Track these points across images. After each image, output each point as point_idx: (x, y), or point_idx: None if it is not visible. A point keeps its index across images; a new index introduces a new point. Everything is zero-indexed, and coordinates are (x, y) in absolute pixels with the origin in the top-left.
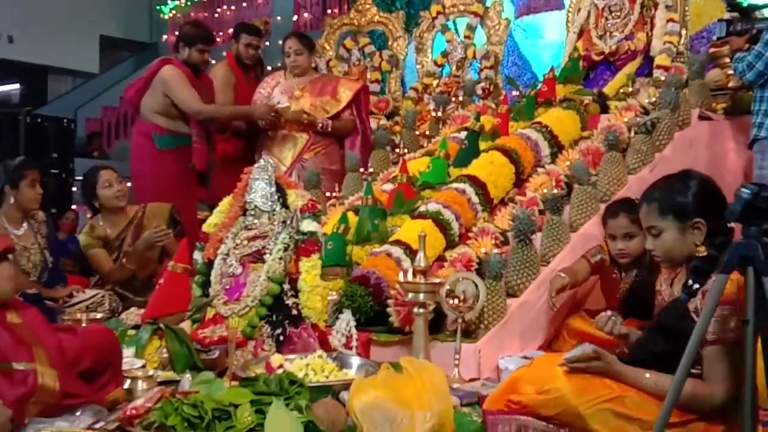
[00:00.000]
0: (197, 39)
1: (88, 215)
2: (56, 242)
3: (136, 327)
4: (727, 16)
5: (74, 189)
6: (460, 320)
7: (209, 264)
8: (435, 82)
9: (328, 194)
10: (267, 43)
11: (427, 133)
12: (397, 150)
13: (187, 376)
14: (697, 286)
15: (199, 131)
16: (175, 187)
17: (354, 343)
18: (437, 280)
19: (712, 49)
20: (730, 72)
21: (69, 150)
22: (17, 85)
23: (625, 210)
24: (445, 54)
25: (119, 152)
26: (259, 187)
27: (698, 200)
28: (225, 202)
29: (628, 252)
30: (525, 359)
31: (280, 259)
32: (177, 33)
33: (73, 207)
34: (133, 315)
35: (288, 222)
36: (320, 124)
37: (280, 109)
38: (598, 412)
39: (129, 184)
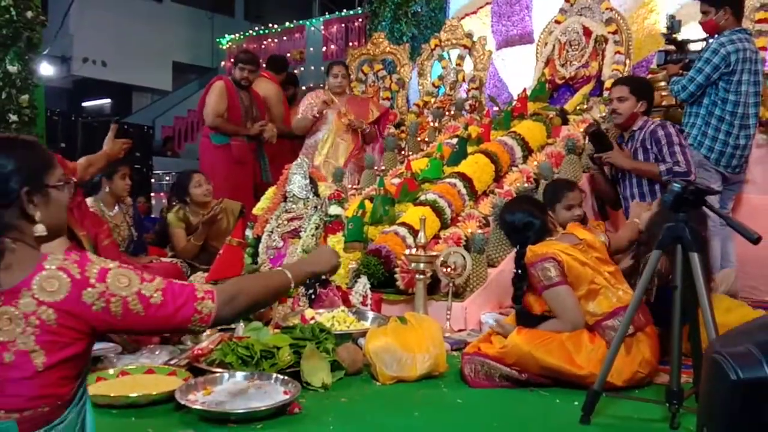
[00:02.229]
0: (237, 60)
1: (164, 200)
2: (140, 220)
3: None
4: (664, 47)
5: (152, 180)
6: (451, 284)
7: (258, 239)
8: (433, 100)
9: (350, 186)
10: (302, 69)
11: (427, 139)
12: (403, 152)
13: (241, 324)
14: None
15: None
16: (229, 174)
17: (369, 301)
18: (434, 253)
19: (649, 76)
20: (664, 93)
21: (148, 150)
22: (108, 100)
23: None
24: (441, 77)
25: (187, 152)
26: (296, 180)
27: None
28: (270, 191)
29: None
30: (500, 315)
31: (312, 235)
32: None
33: (151, 194)
34: (198, 278)
35: (318, 207)
36: (367, 129)
37: (268, 132)
38: (541, 345)
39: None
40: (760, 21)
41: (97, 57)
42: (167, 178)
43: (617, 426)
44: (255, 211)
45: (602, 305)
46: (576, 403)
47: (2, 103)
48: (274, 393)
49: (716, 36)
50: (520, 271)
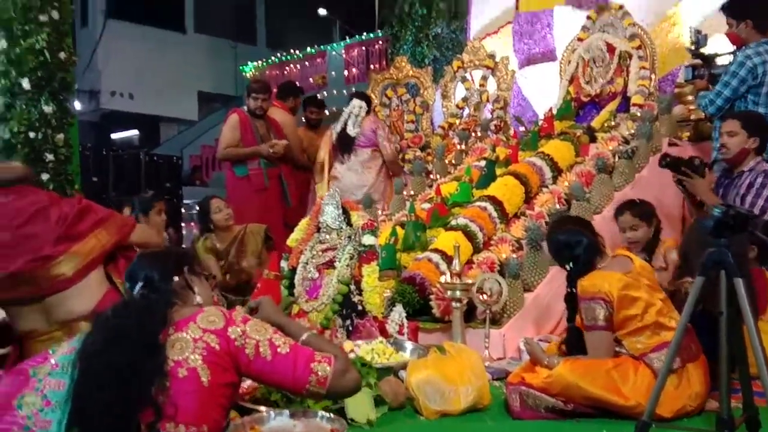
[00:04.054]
0: (250, 89)
1: (194, 230)
2: None
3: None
4: (690, 62)
5: (182, 210)
6: (488, 311)
7: (293, 270)
8: (458, 121)
9: (380, 212)
10: (325, 93)
11: (453, 162)
12: (431, 176)
13: None
14: None
15: (256, 161)
16: (253, 203)
17: (405, 330)
18: (469, 281)
19: (676, 90)
20: (692, 107)
21: (177, 180)
22: (136, 132)
23: (628, 208)
24: (464, 99)
25: (215, 180)
26: (329, 210)
27: None
28: (303, 222)
29: (636, 239)
30: (540, 341)
31: (347, 265)
32: None
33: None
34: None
35: (352, 237)
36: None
37: (275, 147)
38: (586, 375)
39: None
40: None
41: (124, 90)
42: (197, 207)
43: None
44: (289, 242)
45: (651, 339)
46: None
47: (39, 143)
48: (320, 431)
49: (742, 48)
50: (573, 290)
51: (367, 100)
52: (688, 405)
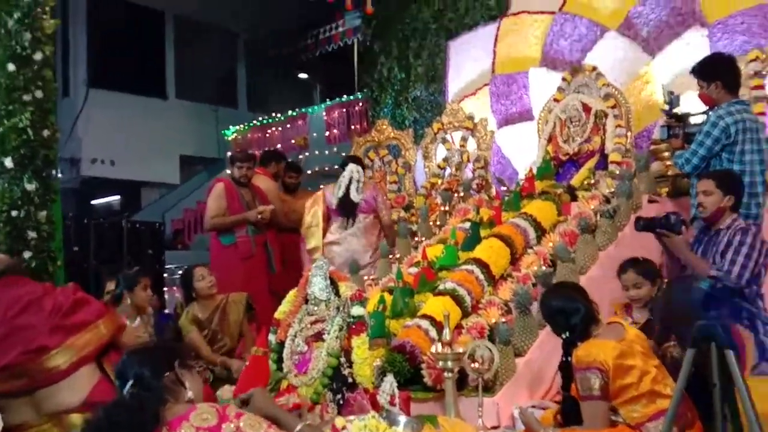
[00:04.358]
0: (234, 158)
1: (177, 294)
2: (158, 326)
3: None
4: (665, 122)
5: (165, 275)
6: (480, 379)
7: (281, 344)
8: (440, 181)
9: (366, 277)
10: (307, 154)
11: (438, 223)
12: (416, 238)
13: None
14: None
15: (243, 229)
16: (239, 271)
17: (397, 401)
18: (460, 350)
19: (652, 147)
20: (669, 163)
21: (159, 245)
22: (117, 197)
23: (631, 266)
24: (446, 159)
25: (197, 243)
26: (317, 281)
27: None
28: (291, 294)
29: (638, 297)
30: (533, 407)
31: (337, 338)
32: None
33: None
34: (227, 391)
35: (341, 308)
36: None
37: (263, 212)
38: None
39: None
40: (755, 87)
41: (105, 157)
42: (179, 271)
43: None
44: (277, 315)
45: (647, 408)
46: None
47: (21, 221)
48: None
49: (714, 108)
50: (568, 359)
51: (362, 164)
52: None
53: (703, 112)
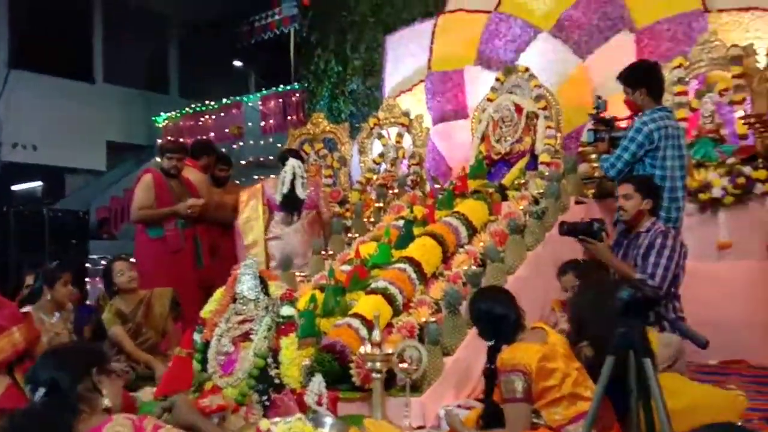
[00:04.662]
0: (164, 149)
1: (99, 286)
2: (79, 319)
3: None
4: (593, 126)
5: (88, 266)
6: (408, 379)
7: (207, 344)
8: (375, 176)
9: (298, 274)
10: (241, 144)
11: (372, 219)
12: (350, 234)
13: None
14: None
15: (172, 222)
16: (166, 265)
17: (324, 401)
18: (389, 350)
19: (580, 149)
20: (596, 165)
21: (84, 236)
22: (40, 183)
23: (571, 268)
24: (381, 155)
25: (123, 233)
26: (246, 280)
27: None
28: (218, 292)
29: None
30: (460, 407)
31: (265, 338)
32: None
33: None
34: (147, 393)
35: (270, 308)
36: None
37: (193, 206)
38: None
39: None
40: (678, 94)
41: (27, 141)
42: (103, 262)
43: None
44: (203, 313)
45: (567, 411)
46: None
47: None
48: None
49: (639, 115)
50: (492, 366)
51: (302, 159)
52: None
53: (629, 117)
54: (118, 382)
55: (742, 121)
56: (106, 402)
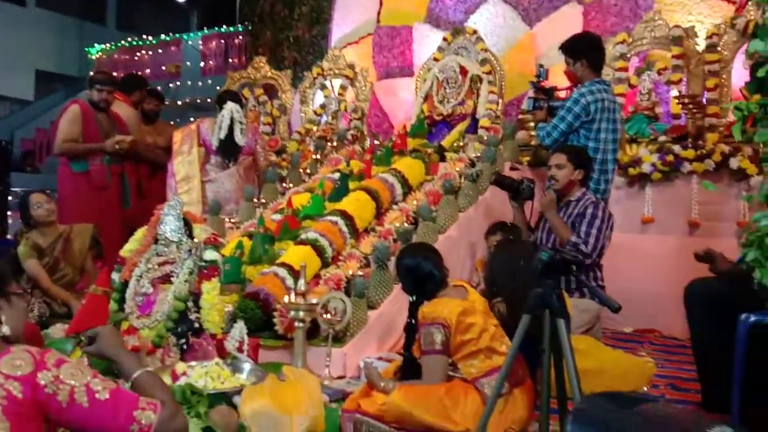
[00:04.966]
0: (94, 80)
1: (19, 219)
2: None
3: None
4: (533, 94)
5: (9, 198)
6: (331, 330)
7: (125, 284)
8: (315, 128)
9: (228, 220)
10: (178, 83)
11: (308, 171)
12: (284, 184)
13: None
14: None
15: (98, 157)
16: (90, 202)
17: (245, 348)
18: (314, 301)
19: (520, 116)
20: (534, 133)
21: (5, 166)
22: None
23: (500, 229)
24: (323, 106)
25: (48, 167)
26: (169, 221)
27: None
28: (140, 232)
29: None
30: (381, 359)
31: (185, 281)
32: None
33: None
34: (58, 329)
35: (193, 251)
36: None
37: (122, 143)
38: (420, 404)
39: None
40: (619, 69)
41: None
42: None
43: None
44: (122, 253)
45: (483, 364)
46: None
47: None
48: None
49: (578, 86)
50: (413, 321)
51: (241, 103)
52: (511, 428)
53: (568, 88)
54: (19, 307)
55: (677, 101)
56: (5, 330)
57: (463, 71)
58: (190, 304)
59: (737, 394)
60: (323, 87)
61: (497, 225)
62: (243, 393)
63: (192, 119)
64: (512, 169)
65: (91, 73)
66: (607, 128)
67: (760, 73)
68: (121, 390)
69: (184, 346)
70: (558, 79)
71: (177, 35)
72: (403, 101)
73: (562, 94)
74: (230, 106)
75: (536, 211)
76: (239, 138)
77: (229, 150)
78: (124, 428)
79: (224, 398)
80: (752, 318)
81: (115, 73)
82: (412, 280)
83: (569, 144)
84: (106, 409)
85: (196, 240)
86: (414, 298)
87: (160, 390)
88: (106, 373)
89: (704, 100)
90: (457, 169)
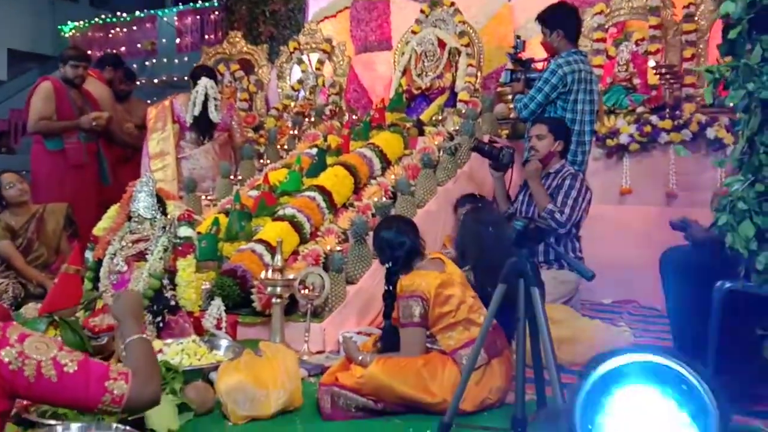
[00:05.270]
0: (67, 57)
1: None
2: None
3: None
4: (510, 66)
5: None
6: (309, 305)
7: (99, 262)
8: (292, 104)
9: (204, 197)
10: (154, 61)
11: (286, 147)
12: (261, 160)
13: None
14: None
15: (74, 135)
16: (66, 181)
17: (224, 325)
18: (291, 276)
19: (498, 89)
20: (512, 106)
21: None
22: None
23: (469, 201)
24: (300, 81)
25: (24, 147)
26: (142, 198)
27: None
28: (113, 209)
29: None
30: (360, 333)
31: (160, 259)
32: None
33: None
34: (31, 309)
35: (167, 228)
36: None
37: (98, 119)
38: (398, 376)
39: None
40: (597, 41)
41: None
42: None
43: None
44: (96, 231)
45: (461, 335)
46: (428, 431)
47: None
48: None
49: (555, 57)
50: (390, 288)
51: (215, 78)
52: (488, 398)
53: (545, 60)
54: None
55: (654, 72)
56: None
57: (441, 44)
58: (165, 281)
59: (713, 361)
60: (300, 62)
61: (466, 197)
62: (219, 370)
63: (168, 97)
64: (491, 142)
65: (64, 50)
66: (584, 99)
67: (732, 34)
68: (90, 361)
69: (161, 324)
70: (536, 51)
71: (152, 11)
72: (381, 75)
73: (540, 65)
74: (204, 81)
75: (515, 183)
76: (213, 114)
77: (203, 126)
78: (96, 399)
79: (200, 375)
80: (727, 285)
81: (89, 52)
82: (388, 252)
83: (548, 115)
84: (76, 382)
85: (169, 217)
86: (389, 265)
87: (146, 358)
88: (78, 348)
89: (682, 71)
90: (436, 142)
